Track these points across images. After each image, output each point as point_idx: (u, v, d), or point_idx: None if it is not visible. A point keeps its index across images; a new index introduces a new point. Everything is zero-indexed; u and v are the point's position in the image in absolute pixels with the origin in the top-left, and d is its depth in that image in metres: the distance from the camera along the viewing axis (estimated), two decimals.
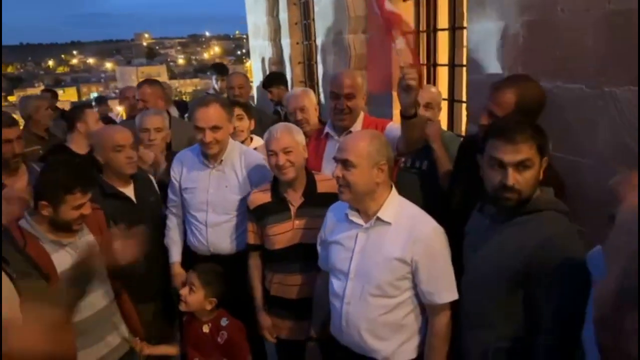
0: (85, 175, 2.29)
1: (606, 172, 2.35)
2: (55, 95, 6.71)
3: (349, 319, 2.10)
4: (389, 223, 2.04)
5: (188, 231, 3.01)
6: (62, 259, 2.21)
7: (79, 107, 4.10)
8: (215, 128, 2.79)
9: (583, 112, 2.47)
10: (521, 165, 1.81)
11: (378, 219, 2.06)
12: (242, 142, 3.39)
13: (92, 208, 2.47)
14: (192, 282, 2.49)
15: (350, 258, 2.10)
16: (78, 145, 3.75)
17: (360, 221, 2.10)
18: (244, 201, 2.83)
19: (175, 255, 3.04)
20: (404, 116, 2.49)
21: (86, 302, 2.21)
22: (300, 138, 2.59)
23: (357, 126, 3.00)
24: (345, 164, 2.04)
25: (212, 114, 2.79)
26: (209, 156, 2.90)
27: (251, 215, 2.68)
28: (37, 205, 2.19)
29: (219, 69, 5.99)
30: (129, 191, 2.97)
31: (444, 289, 2.02)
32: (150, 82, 4.46)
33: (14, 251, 2.06)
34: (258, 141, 3.56)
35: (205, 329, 2.48)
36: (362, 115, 3.05)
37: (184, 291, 2.48)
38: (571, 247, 1.75)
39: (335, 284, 2.16)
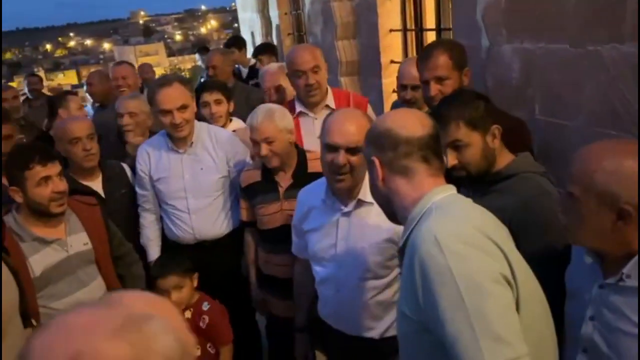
0: (40, 148, 2.20)
1: (593, 134, 2.29)
2: (40, 80, 6.65)
3: (341, 305, 2.07)
4: (370, 203, 1.94)
5: (167, 222, 2.86)
6: (46, 258, 2.16)
7: (62, 94, 4.04)
8: (182, 108, 2.66)
9: (568, 73, 2.39)
10: (453, 146, 1.80)
11: (359, 200, 1.99)
12: (222, 126, 3.28)
13: (87, 203, 2.42)
14: (175, 283, 2.42)
15: (335, 245, 2.04)
16: None
17: (339, 205, 2.03)
18: (223, 181, 2.77)
19: (154, 253, 2.90)
20: None
21: (71, 299, 2.20)
22: (285, 123, 2.45)
23: (330, 100, 2.92)
24: (354, 151, 1.91)
25: (176, 93, 2.65)
26: (179, 140, 2.76)
27: (243, 193, 2.63)
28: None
29: (201, 50, 6.21)
30: (96, 185, 2.82)
31: None
32: (124, 63, 4.35)
33: None
34: (237, 123, 3.37)
35: (187, 314, 2.45)
36: (329, 88, 2.96)
37: (173, 297, 2.38)
38: (549, 205, 1.72)
39: (321, 272, 2.11)
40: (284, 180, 2.51)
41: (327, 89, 2.95)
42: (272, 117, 2.42)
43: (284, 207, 2.49)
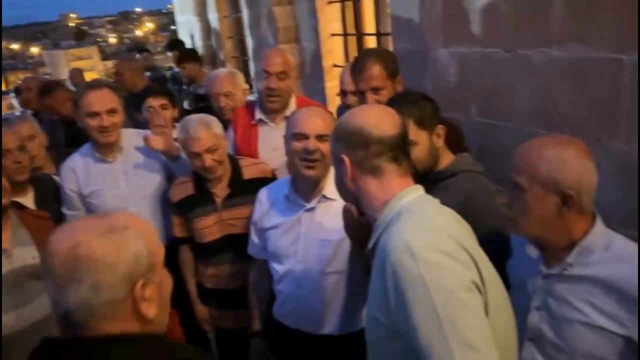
0: None
1: (527, 134, 2.41)
2: None
3: (301, 301, 2.06)
4: (333, 199, 1.95)
5: None
6: None
7: None
8: (111, 112, 2.55)
9: (501, 76, 2.51)
10: None
11: (323, 196, 2.00)
12: None
13: (39, 216, 2.30)
14: None
15: (296, 241, 2.04)
16: None
17: (302, 202, 2.03)
18: (162, 185, 2.68)
19: None
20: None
21: (22, 312, 2.09)
22: (220, 129, 2.42)
23: (292, 109, 2.82)
24: (322, 138, 1.92)
25: (106, 96, 2.56)
26: (106, 147, 2.63)
27: (174, 208, 2.53)
28: None
29: (141, 52, 6.24)
30: (27, 200, 2.65)
31: None
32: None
33: None
34: None
35: None
36: (293, 97, 2.91)
37: None
38: (488, 202, 1.81)
39: (280, 269, 2.09)
40: (221, 190, 2.45)
41: (291, 100, 2.87)
42: (210, 126, 2.37)
43: (224, 217, 2.43)
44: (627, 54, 1.95)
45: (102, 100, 2.55)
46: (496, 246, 1.72)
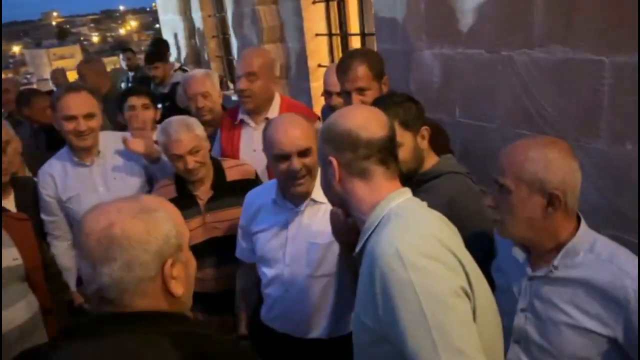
0: None
1: (510, 135, 2.43)
2: None
3: (290, 305, 2.04)
4: (322, 202, 1.93)
5: None
6: None
7: None
8: (89, 116, 2.51)
9: (484, 77, 2.52)
10: None
11: (312, 199, 1.98)
12: None
13: (18, 218, 2.26)
14: None
15: (285, 244, 2.02)
16: None
17: (291, 205, 2.01)
18: (142, 188, 2.64)
19: (73, 284, 2.64)
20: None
21: (5, 315, 2.04)
22: (201, 130, 2.40)
23: (274, 111, 2.77)
24: (304, 153, 1.90)
25: (84, 100, 2.51)
26: (83, 150, 2.59)
27: None
28: None
29: (124, 52, 6.08)
30: (9, 203, 2.59)
31: None
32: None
33: None
34: None
35: None
36: (277, 98, 2.84)
37: None
38: (470, 202, 1.82)
39: (269, 273, 2.08)
40: (204, 192, 2.42)
41: (273, 101, 2.81)
42: (191, 127, 2.34)
43: (207, 220, 2.41)
44: (608, 56, 1.97)
45: (80, 104, 2.51)
46: (481, 247, 1.73)
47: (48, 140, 3.81)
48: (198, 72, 3.24)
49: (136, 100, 3.17)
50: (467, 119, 2.63)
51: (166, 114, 3.10)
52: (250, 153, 2.75)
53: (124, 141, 2.60)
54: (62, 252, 2.69)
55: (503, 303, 1.56)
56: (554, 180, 1.36)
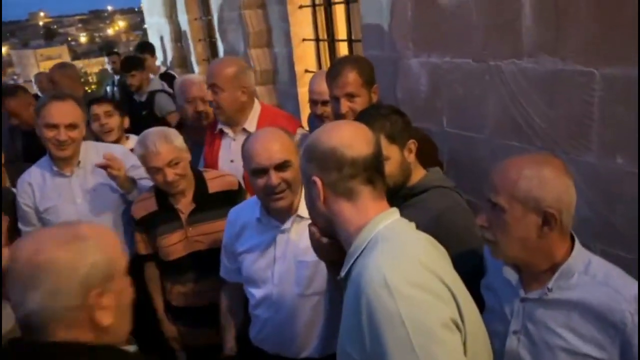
0: None
1: (498, 145, 2.39)
2: None
3: (281, 326, 1.99)
4: (308, 219, 1.90)
5: None
6: None
7: None
8: (71, 127, 2.47)
9: (472, 86, 2.47)
10: None
11: (298, 216, 1.92)
12: (116, 142, 3.08)
13: None
14: None
15: (272, 264, 1.96)
16: None
17: (277, 223, 1.95)
18: (122, 200, 2.59)
19: None
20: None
21: None
22: (181, 141, 2.33)
23: (253, 121, 2.73)
24: (282, 167, 1.84)
25: (68, 109, 2.47)
26: (62, 160, 2.55)
27: (137, 226, 2.44)
28: None
29: (110, 55, 6.15)
30: None
31: None
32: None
33: None
34: (135, 140, 3.13)
35: None
36: (257, 107, 2.78)
37: None
38: (458, 218, 1.78)
39: (257, 294, 2.01)
40: (185, 205, 2.36)
41: (252, 111, 2.75)
42: (169, 138, 2.28)
43: (189, 233, 2.35)
44: (598, 67, 1.93)
45: (63, 113, 2.46)
46: (470, 265, 1.69)
47: (26, 144, 3.74)
48: (195, 76, 3.22)
49: (98, 109, 3.16)
50: (455, 128, 2.58)
51: (143, 123, 3.05)
52: (228, 164, 2.70)
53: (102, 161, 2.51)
54: None
55: (493, 324, 1.52)
56: (548, 199, 1.32)
